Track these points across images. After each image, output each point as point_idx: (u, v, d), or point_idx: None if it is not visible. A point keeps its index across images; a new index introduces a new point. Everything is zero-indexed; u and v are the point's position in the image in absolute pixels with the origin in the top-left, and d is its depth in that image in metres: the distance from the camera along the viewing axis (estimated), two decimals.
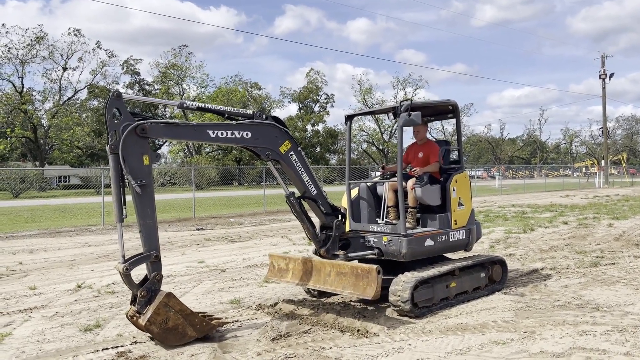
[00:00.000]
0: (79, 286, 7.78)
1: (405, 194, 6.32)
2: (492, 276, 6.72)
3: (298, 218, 5.88)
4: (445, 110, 7.11)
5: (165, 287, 5.27)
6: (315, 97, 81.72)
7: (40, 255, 11.08)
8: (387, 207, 6.50)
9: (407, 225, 6.12)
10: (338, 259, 5.99)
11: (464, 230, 6.55)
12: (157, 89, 74.38)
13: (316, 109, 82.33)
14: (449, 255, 6.80)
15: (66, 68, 60.73)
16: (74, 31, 59.55)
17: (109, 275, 8.49)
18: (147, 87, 76.68)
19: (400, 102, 6.05)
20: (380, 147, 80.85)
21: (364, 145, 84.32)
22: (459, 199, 6.51)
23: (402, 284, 5.60)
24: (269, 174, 27.85)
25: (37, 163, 60.01)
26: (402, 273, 5.80)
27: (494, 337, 4.94)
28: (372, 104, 78.02)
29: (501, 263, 6.89)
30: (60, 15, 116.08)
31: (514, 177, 71.31)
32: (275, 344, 4.94)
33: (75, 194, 42.09)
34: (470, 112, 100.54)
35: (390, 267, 6.27)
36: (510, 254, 9.56)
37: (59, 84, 61.27)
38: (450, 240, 6.38)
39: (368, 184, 6.85)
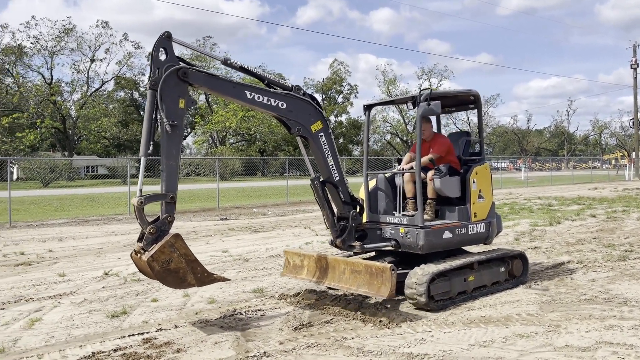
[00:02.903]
0: (106, 274, 7.95)
1: (424, 185, 6.24)
2: (512, 271, 6.61)
3: (319, 203, 5.86)
4: (467, 100, 6.98)
5: None
6: (338, 88, 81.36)
7: (69, 243, 11.35)
8: (406, 198, 6.43)
9: (425, 217, 6.03)
10: (354, 250, 5.95)
11: (483, 224, 6.43)
12: None
13: (339, 99, 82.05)
14: (468, 248, 6.71)
15: (94, 60, 61.66)
16: (101, 23, 60.47)
17: None
18: None
19: (420, 91, 5.96)
20: (404, 139, 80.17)
21: (388, 137, 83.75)
22: (479, 192, 6.39)
23: (419, 277, 5.53)
24: (292, 165, 27.88)
25: (66, 153, 61.29)
26: (419, 266, 5.74)
27: (518, 330, 4.89)
28: (396, 94, 77.32)
29: (522, 257, 6.75)
30: (85, 7, 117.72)
31: (541, 169, 70.14)
32: (298, 333, 4.97)
33: (103, 183, 42.86)
34: (496, 102, 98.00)
35: (407, 259, 6.22)
36: (535, 247, 9.42)
37: (86, 75, 62.31)
38: (470, 233, 6.28)
39: (386, 174, 6.73)
